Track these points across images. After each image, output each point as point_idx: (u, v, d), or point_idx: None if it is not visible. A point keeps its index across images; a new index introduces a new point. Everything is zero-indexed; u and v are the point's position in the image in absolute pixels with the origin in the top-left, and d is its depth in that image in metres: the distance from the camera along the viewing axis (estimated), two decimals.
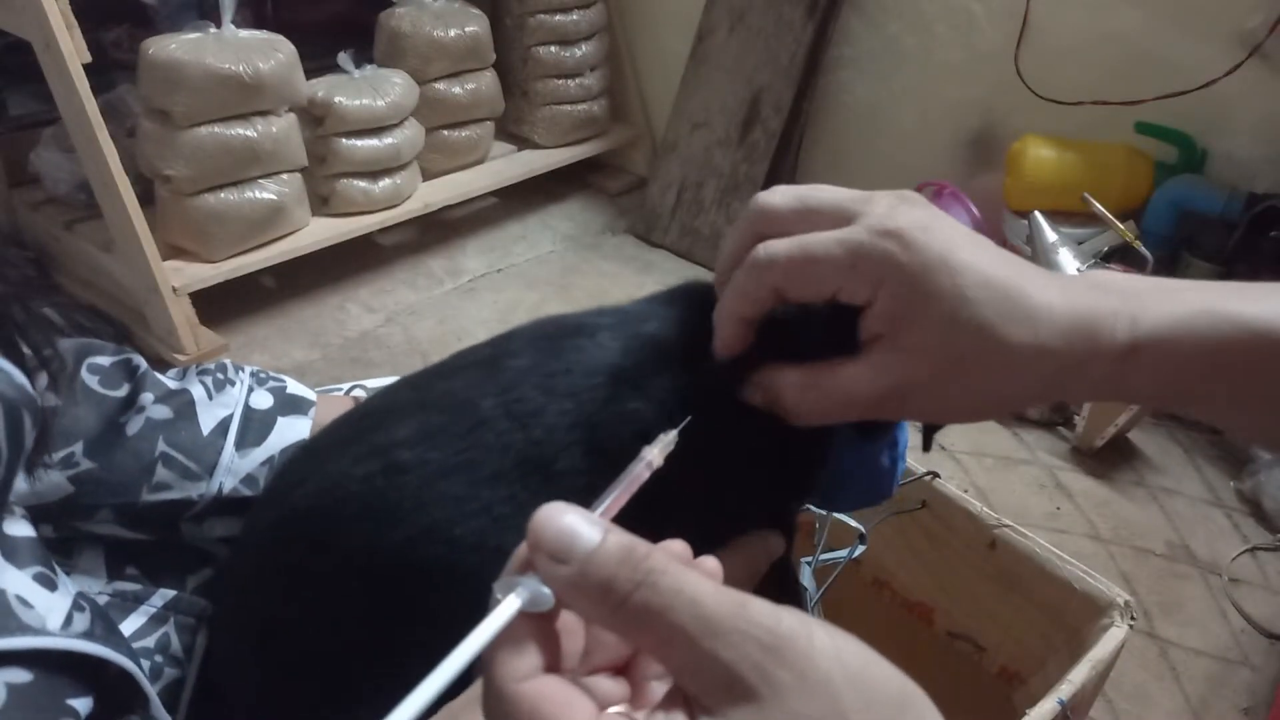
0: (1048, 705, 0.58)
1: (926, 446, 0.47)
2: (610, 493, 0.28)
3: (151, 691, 0.37)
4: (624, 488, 0.29)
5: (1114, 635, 0.64)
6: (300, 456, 0.47)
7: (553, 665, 0.24)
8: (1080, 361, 0.34)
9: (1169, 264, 1.56)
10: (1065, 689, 0.59)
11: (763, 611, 0.23)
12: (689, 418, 0.34)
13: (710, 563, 0.28)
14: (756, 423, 0.40)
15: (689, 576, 0.23)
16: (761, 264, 0.35)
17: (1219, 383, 0.34)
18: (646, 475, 0.30)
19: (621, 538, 0.24)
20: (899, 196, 0.36)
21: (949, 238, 0.34)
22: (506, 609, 0.24)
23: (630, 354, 0.41)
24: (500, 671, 0.24)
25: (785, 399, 0.38)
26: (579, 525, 0.24)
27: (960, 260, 0.34)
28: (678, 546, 0.27)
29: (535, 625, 0.24)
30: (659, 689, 0.26)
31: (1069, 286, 0.35)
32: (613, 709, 0.24)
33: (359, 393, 0.57)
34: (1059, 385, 0.35)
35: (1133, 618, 0.65)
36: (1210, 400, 0.35)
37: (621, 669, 0.27)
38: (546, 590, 0.24)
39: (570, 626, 0.26)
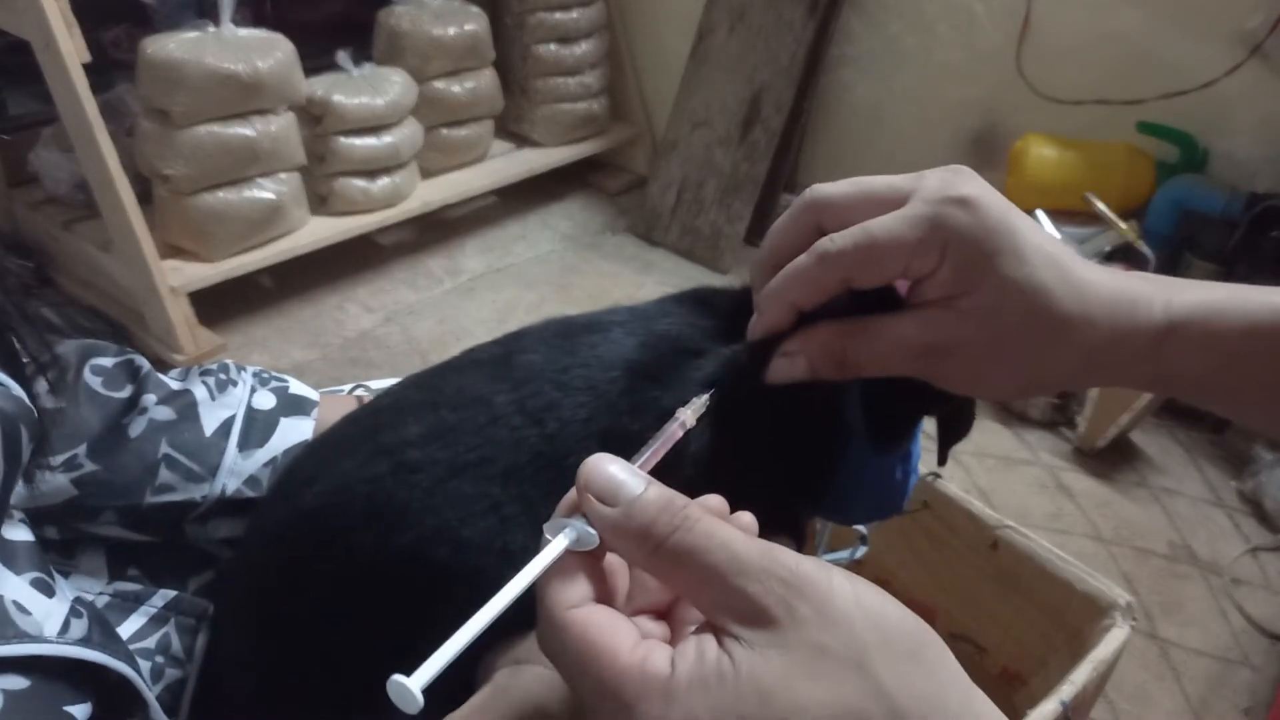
0: (1049, 706, 0.58)
1: (942, 461, 0.47)
2: (647, 449, 0.31)
3: (151, 697, 0.36)
4: (659, 445, 0.31)
5: (1115, 636, 0.64)
6: (308, 455, 0.46)
7: (602, 598, 0.27)
8: (1120, 338, 0.35)
9: (1170, 263, 1.56)
10: (1066, 690, 0.58)
11: (787, 556, 0.25)
12: (720, 384, 0.36)
13: (746, 517, 0.30)
14: (774, 407, 0.39)
15: (721, 524, 0.26)
16: (831, 256, 0.35)
17: (1250, 366, 0.35)
18: (680, 435, 0.32)
19: (662, 489, 0.27)
20: (952, 170, 0.36)
21: (1007, 204, 0.35)
22: (556, 546, 0.26)
23: (646, 349, 0.41)
24: (554, 600, 0.26)
25: (828, 348, 0.38)
26: (623, 475, 0.27)
27: (1018, 224, 0.35)
28: (715, 501, 0.30)
29: (584, 562, 0.27)
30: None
31: (1107, 269, 0.37)
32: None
33: (361, 392, 0.57)
34: (1096, 364, 0.36)
35: (1134, 618, 0.65)
36: (1239, 389, 0.36)
37: (662, 615, 0.29)
38: (592, 531, 0.27)
39: (615, 568, 0.29)
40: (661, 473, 0.30)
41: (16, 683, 0.31)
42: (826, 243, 0.36)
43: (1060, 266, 0.35)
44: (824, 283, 0.36)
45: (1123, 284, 0.36)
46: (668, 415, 0.34)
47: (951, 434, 0.46)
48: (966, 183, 0.35)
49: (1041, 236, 0.35)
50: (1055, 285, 0.35)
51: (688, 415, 0.33)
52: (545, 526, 0.27)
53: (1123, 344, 0.36)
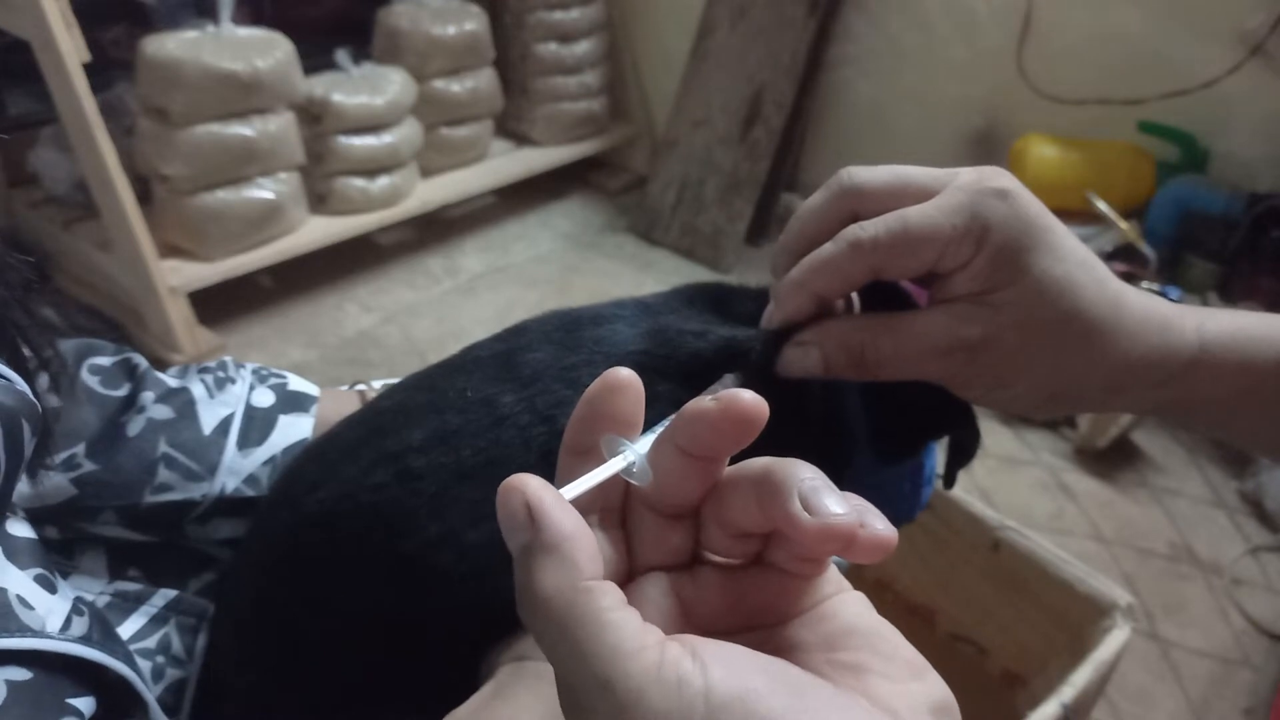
0: (1050, 708, 0.57)
1: (949, 484, 0.47)
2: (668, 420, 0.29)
3: (150, 697, 0.36)
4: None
5: (1116, 637, 0.64)
6: (310, 459, 0.46)
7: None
8: (1150, 359, 0.35)
9: (1171, 263, 1.56)
10: (1067, 691, 0.58)
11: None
12: (752, 360, 0.35)
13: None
14: (779, 406, 0.39)
15: None
16: (864, 244, 0.34)
17: (1277, 395, 0.35)
18: None
19: None
20: (988, 167, 0.35)
21: (1039, 201, 0.35)
22: (613, 465, 0.23)
23: (653, 339, 0.41)
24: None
25: (846, 341, 0.36)
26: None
27: (1053, 223, 0.34)
28: None
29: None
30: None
31: (1134, 287, 0.36)
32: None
33: (362, 388, 0.56)
34: (1121, 384, 0.36)
35: (1134, 619, 0.65)
36: (1262, 418, 0.36)
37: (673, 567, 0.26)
38: (649, 467, 0.23)
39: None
40: None
41: (19, 674, 0.31)
42: (857, 230, 0.34)
43: (1094, 271, 0.34)
44: (852, 272, 0.35)
45: (1153, 303, 0.35)
46: (681, 406, 0.33)
47: (959, 457, 0.46)
48: (1002, 177, 0.34)
49: (1074, 240, 0.35)
50: (1090, 288, 0.34)
51: (720, 392, 0.33)
52: (602, 440, 0.24)
53: (1153, 366, 0.35)
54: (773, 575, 0.24)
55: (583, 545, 0.21)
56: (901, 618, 0.82)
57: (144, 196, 1.53)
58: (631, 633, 0.20)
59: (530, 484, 0.21)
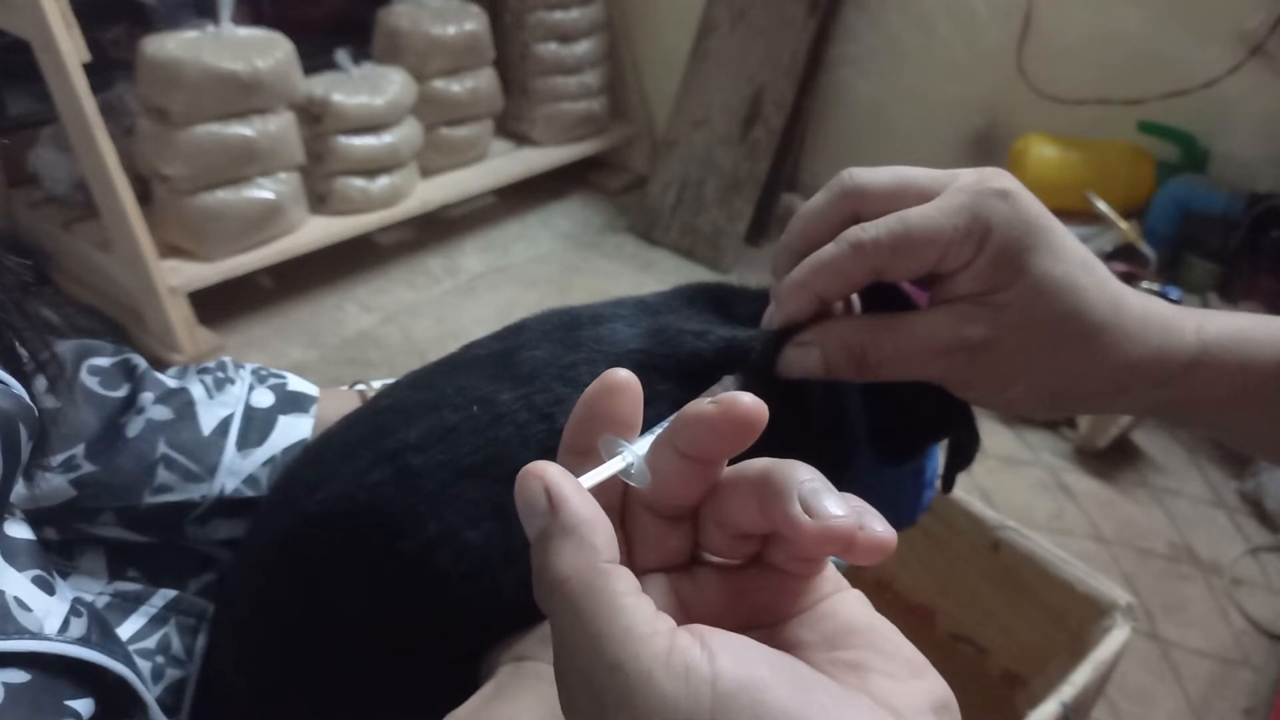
0: (1050, 707, 0.58)
1: (947, 487, 0.47)
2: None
3: (150, 698, 0.36)
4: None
5: (1116, 637, 0.64)
6: (309, 459, 0.46)
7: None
8: (1152, 359, 0.35)
9: (1171, 263, 1.56)
10: (1067, 691, 0.59)
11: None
12: (752, 361, 0.35)
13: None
14: (780, 407, 0.39)
15: None
16: (866, 245, 0.34)
17: (1276, 395, 0.35)
18: None
19: None
20: (992, 170, 0.35)
21: (1040, 202, 0.35)
22: (611, 466, 0.24)
23: (654, 339, 0.40)
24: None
25: (847, 342, 0.36)
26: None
27: (1054, 223, 0.35)
28: None
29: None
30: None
31: (1134, 289, 0.36)
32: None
33: (362, 387, 0.56)
34: (1124, 385, 0.36)
35: (1134, 619, 0.65)
36: (1263, 419, 0.36)
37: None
38: (646, 470, 0.24)
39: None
40: None
41: (17, 676, 0.31)
42: (859, 231, 0.34)
43: (1095, 272, 0.35)
44: (853, 273, 0.35)
45: (1153, 304, 0.36)
46: (680, 405, 0.33)
47: (958, 459, 0.46)
48: (1003, 177, 0.35)
49: (1075, 240, 0.35)
50: (1091, 289, 0.34)
51: (720, 395, 0.33)
52: (601, 440, 0.24)
53: (1153, 367, 0.35)
54: (771, 575, 0.24)
55: (600, 529, 0.21)
56: (901, 618, 0.82)
57: (144, 196, 1.53)
58: (644, 618, 0.20)
59: (549, 470, 0.22)
